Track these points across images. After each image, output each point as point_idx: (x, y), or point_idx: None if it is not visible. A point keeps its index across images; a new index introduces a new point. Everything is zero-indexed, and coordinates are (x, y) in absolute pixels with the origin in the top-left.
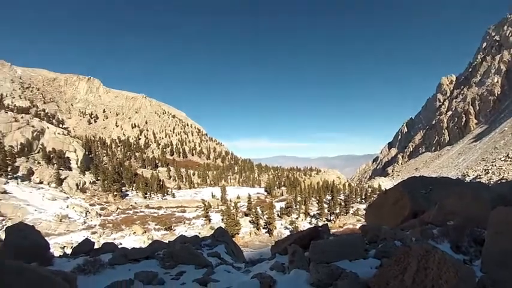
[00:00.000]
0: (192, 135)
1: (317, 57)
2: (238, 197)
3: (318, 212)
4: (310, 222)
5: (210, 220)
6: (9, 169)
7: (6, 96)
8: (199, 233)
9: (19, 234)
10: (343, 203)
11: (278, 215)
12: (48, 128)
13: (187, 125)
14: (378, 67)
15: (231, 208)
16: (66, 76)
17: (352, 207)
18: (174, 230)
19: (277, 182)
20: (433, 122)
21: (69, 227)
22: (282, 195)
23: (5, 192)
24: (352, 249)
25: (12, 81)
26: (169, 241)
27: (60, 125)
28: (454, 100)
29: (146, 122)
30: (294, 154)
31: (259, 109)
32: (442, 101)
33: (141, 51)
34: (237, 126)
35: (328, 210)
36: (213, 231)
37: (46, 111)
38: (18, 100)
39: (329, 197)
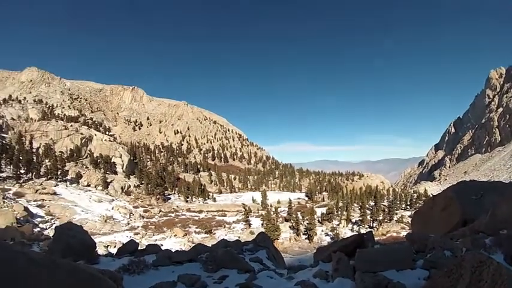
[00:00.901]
0: (233, 141)
1: (357, 55)
2: (278, 202)
3: (360, 218)
4: (351, 229)
5: (250, 225)
6: (59, 173)
7: (57, 106)
8: (239, 237)
9: (68, 233)
10: (386, 210)
11: (319, 220)
12: (95, 135)
13: (229, 131)
14: (421, 62)
15: (271, 213)
16: (112, 87)
17: (396, 213)
18: (214, 234)
19: (318, 187)
20: (483, 120)
21: (114, 228)
22: (323, 201)
23: (54, 193)
24: (399, 258)
25: (62, 93)
26: (212, 245)
27: (107, 132)
28: (505, 95)
29: (188, 128)
30: (336, 158)
31: (300, 112)
32: (491, 97)
33: (181, 61)
34: (278, 131)
35: (371, 217)
36: (253, 235)
37: (93, 119)
38: (67, 110)
39: (372, 203)
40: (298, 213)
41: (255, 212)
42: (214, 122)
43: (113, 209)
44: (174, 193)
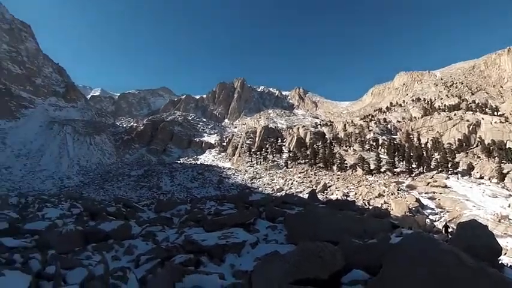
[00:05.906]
0: None
1: None
2: None
3: None
4: None
5: None
6: (449, 165)
7: (435, 99)
8: None
9: (472, 232)
10: None
11: None
12: (482, 119)
13: None
14: None
15: None
16: (484, 58)
17: None
18: None
19: None
20: None
21: (508, 230)
22: None
23: (445, 186)
24: None
25: (435, 84)
26: None
27: (495, 113)
28: None
29: None
30: None
31: None
32: None
33: None
34: None
35: None
36: None
37: (476, 102)
38: (446, 100)
39: None
40: None
41: None
42: None
43: (509, 206)
44: None
